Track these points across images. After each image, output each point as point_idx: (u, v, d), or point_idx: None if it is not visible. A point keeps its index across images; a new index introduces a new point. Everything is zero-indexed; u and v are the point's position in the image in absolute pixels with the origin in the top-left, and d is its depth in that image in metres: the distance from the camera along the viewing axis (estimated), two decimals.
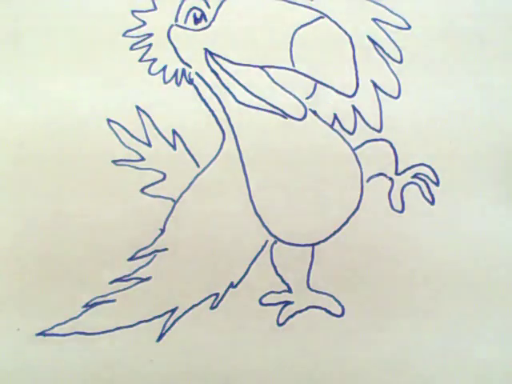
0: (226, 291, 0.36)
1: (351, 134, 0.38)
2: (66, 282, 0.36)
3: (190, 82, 0.38)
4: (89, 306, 0.36)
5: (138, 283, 0.36)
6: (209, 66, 0.38)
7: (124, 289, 0.36)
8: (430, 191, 0.37)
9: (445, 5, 0.39)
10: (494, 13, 0.39)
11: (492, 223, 0.37)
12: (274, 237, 0.37)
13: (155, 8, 0.38)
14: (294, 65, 0.38)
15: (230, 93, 0.38)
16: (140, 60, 0.38)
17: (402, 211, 0.37)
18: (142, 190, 0.37)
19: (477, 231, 0.37)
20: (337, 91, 0.38)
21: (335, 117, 0.38)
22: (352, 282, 0.37)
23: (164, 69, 0.38)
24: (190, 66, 0.38)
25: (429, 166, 0.38)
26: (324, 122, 0.38)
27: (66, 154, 0.37)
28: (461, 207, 0.37)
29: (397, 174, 0.38)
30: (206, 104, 0.38)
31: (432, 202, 0.37)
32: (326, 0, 0.39)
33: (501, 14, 0.39)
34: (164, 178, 0.37)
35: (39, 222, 0.36)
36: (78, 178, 0.37)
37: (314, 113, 0.38)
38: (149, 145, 0.37)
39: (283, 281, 0.37)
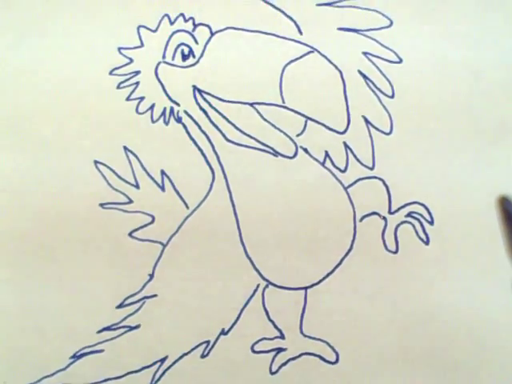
0: (217, 338, 0.36)
1: (343, 171, 0.37)
2: (52, 332, 0.35)
3: (179, 120, 0.37)
4: (76, 356, 0.35)
5: (126, 332, 0.36)
6: (197, 103, 0.37)
7: (112, 338, 0.35)
8: (424, 231, 0.37)
9: (437, 38, 0.38)
10: (488, 47, 0.38)
11: (489, 262, 0.36)
12: (266, 280, 0.36)
13: (142, 45, 0.38)
14: (283, 101, 0.37)
15: (220, 131, 0.37)
16: (127, 99, 0.37)
17: (396, 252, 0.37)
18: (130, 234, 0.36)
19: (473, 271, 0.36)
20: (328, 128, 0.37)
21: (326, 154, 0.37)
22: (346, 327, 0.36)
23: (152, 107, 0.37)
24: (178, 104, 0.37)
25: (423, 205, 0.37)
26: (315, 159, 0.37)
27: (52, 197, 0.36)
28: (456, 247, 0.37)
29: (390, 212, 0.37)
30: (195, 143, 0.37)
31: (427, 242, 0.37)
32: (315, 34, 0.38)
33: (495, 48, 0.38)
34: (153, 221, 0.36)
35: (23, 269, 0.36)
36: (64, 221, 0.36)
37: (305, 150, 0.37)
38: (137, 187, 0.37)
39: (276, 326, 0.36)
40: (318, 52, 0.38)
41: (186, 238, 0.36)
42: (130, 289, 0.36)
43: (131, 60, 0.37)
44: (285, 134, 0.37)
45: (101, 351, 0.35)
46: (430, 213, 0.37)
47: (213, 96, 0.37)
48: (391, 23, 0.38)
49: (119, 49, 0.38)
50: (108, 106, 0.37)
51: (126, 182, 0.37)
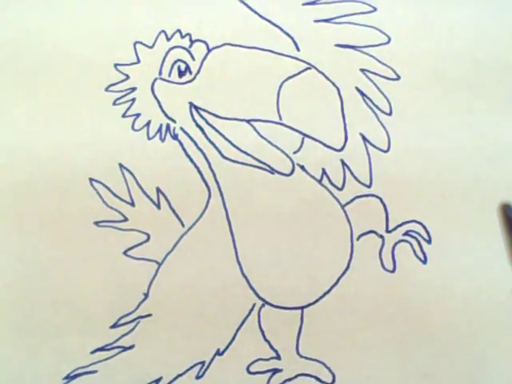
0: (213, 359, 0.35)
1: (340, 189, 0.37)
2: (45, 352, 0.35)
3: (175, 137, 0.37)
4: (70, 377, 0.35)
5: (120, 352, 0.35)
6: (194, 120, 0.37)
7: (106, 358, 0.35)
8: (421, 249, 0.36)
9: (435, 55, 0.38)
10: (486, 63, 0.38)
11: (486, 281, 0.36)
12: (262, 300, 0.36)
13: (139, 61, 0.37)
14: (280, 118, 0.37)
15: (216, 148, 0.37)
16: (123, 115, 0.37)
17: (393, 271, 0.36)
18: (125, 253, 0.36)
19: (471, 290, 0.36)
20: (325, 145, 0.37)
21: (324, 172, 0.37)
22: (343, 347, 0.35)
23: (148, 124, 0.37)
24: (174, 121, 0.37)
25: (420, 223, 0.36)
26: (312, 177, 0.37)
27: (46, 214, 0.36)
28: (454, 265, 0.36)
29: (388, 231, 0.36)
30: (191, 160, 0.37)
31: (424, 261, 0.36)
32: (312, 50, 0.38)
33: (493, 64, 0.38)
34: (148, 239, 0.36)
35: (16, 287, 0.35)
36: (58, 240, 0.36)
37: (302, 168, 0.37)
38: (132, 204, 0.36)
39: (271, 347, 0.36)
40: (316, 69, 0.38)
41: (182, 257, 0.36)
42: (125, 308, 0.35)
43: (127, 76, 0.37)
44: (282, 151, 0.37)
45: (94, 372, 0.35)
46: (427, 231, 0.36)
47: (209, 113, 0.37)
48: (389, 40, 0.38)
49: (115, 65, 0.37)
50: (104, 122, 0.37)
51: (121, 200, 0.36)
